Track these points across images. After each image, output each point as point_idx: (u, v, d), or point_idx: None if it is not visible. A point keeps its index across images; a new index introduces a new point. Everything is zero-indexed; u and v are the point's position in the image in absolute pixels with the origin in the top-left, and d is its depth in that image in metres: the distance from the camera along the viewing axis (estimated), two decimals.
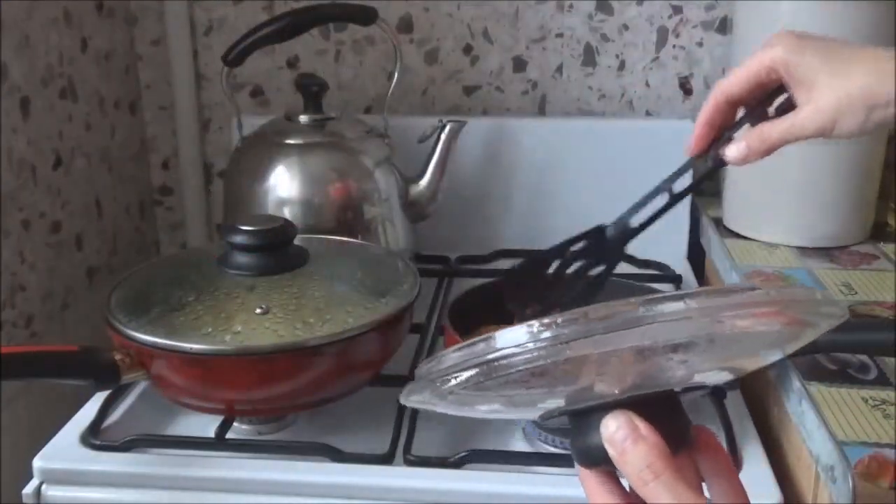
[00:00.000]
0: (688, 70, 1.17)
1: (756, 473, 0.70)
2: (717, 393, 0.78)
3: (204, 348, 0.70)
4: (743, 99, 0.63)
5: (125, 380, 0.72)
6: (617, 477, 0.41)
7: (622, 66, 1.18)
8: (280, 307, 0.73)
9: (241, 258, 0.78)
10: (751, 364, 0.47)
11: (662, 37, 1.16)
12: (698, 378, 0.43)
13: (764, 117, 0.63)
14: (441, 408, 0.44)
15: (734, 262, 0.94)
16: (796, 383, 0.70)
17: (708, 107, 0.63)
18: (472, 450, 0.71)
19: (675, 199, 0.65)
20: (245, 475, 0.71)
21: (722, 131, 0.64)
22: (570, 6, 1.16)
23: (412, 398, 0.43)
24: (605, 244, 0.65)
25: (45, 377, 0.72)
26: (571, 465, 0.44)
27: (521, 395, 0.42)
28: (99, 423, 0.77)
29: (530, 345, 0.37)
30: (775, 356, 0.47)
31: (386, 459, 0.72)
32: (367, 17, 1.00)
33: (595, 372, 0.40)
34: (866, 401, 0.66)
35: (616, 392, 0.40)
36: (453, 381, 0.39)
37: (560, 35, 1.17)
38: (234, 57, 0.98)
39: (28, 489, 0.72)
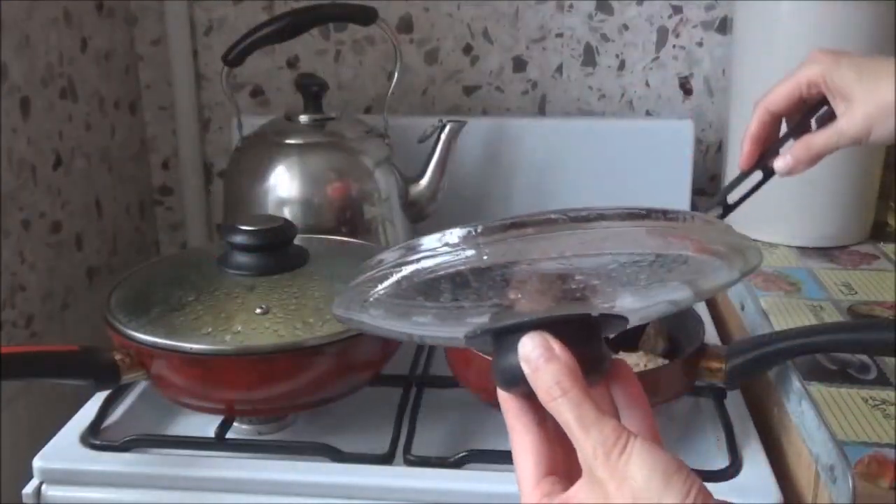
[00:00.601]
0: (688, 70, 1.17)
1: (756, 473, 0.70)
2: (718, 393, 0.78)
3: (204, 348, 0.70)
4: (785, 112, 0.70)
5: (125, 380, 0.72)
6: (536, 404, 0.42)
7: (622, 66, 1.18)
8: (280, 307, 0.73)
9: (241, 258, 0.78)
10: (671, 302, 0.48)
11: (662, 37, 1.16)
12: (621, 306, 0.44)
13: (806, 130, 0.70)
14: (368, 318, 0.45)
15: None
16: (796, 383, 0.70)
17: (754, 123, 0.70)
18: (472, 450, 0.71)
19: (728, 209, 0.72)
20: (245, 475, 0.71)
21: (768, 144, 0.71)
22: (570, 6, 1.16)
23: (340, 309, 0.45)
24: None
25: (45, 377, 0.72)
26: None
27: (448, 308, 0.43)
28: (99, 423, 0.77)
29: (449, 249, 0.38)
30: (697, 291, 0.47)
31: (386, 459, 0.72)
32: (367, 17, 1.00)
33: (516, 289, 0.41)
34: (866, 401, 0.66)
35: (536, 311, 0.42)
36: (379, 288, 0.41)
37: (560, 35, 1.17)
38: (234, 57, 0.98)
39: (28, 489, 0.72)
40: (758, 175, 0.72)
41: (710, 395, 0.79)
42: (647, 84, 1.18)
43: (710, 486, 0.69)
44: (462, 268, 0.38)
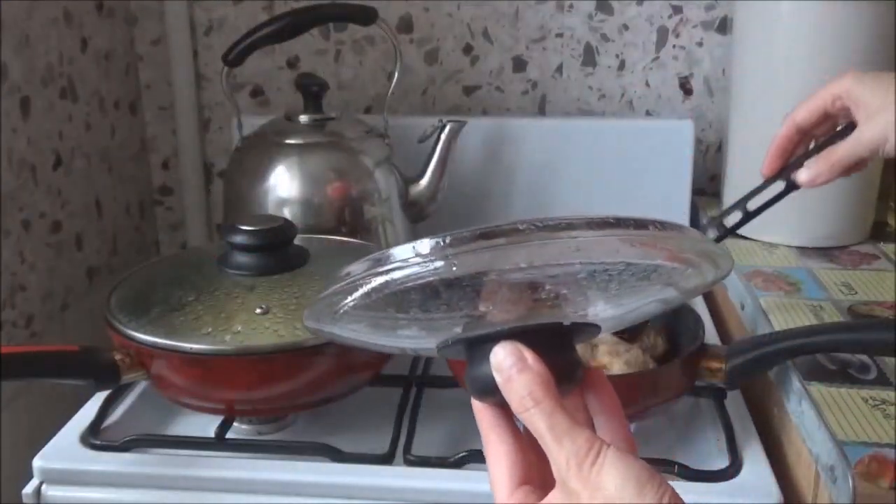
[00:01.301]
0: (688, 70, 1.17)
1: (756, 473, 0.70)
2: (718, 393, 0.78)
3: (204, 348, 0.70)
4: (810, 126, 0.74)
5: (125, 380, 0.72)
6: (510, 413, 0.42)
7: (622, 66, 1.18)
8: (280, 307, 0.73)
9: (241, 258, 0.78)
10: (660, 301, 0.47)
11: (662, 37, 1.16)
12: (593, 314, 0.44)
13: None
14: (339, 330, 0.45)
15: (734, 262, 0.94)
16: (796, 383, 0.70)
17: (780, 135, 0.75)
18: (472, 450, 0.71)
19: (748, 216, 0.78)
20: (245, 475, 0.71)
21: (791, 157, 0.76)
22: (570, 6, 1.16)
23: (310, 321, 0.45)
24: None
25: (45, 377, 0.72)
26: None
27: (420, 319, 0.43)
28: (99, 423, 0.77)
29: (418, 260, 0.38)
30: (668, 297, 0.47)
31: (386, 459, 0.72)
32: (367, 17, 1.00)
33: (486, 299, 0.41)
34: (866, 401, 0.66)
35: (507, 321, 0.42)
36: (349, 300, 0.40)
37: (560, 35, 1.17)
38: (234, 57, 0.98)
39: (28, 489, 0.72)
40: (779, 186, 0.75)
41: (710, 395, 0.79)
42: (647, 84, 1.18)
43: (709, 486, 0.70)
44: (431, 279, 0.38)
